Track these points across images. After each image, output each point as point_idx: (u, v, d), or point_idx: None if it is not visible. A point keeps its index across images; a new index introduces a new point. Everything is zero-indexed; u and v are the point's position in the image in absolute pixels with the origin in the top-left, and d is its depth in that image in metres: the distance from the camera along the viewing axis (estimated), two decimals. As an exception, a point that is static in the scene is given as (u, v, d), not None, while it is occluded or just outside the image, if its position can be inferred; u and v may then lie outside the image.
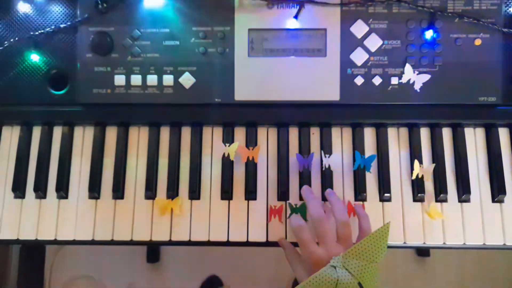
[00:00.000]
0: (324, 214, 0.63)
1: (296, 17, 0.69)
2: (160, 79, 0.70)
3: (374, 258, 0.58)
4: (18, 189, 0.71)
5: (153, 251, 1.39)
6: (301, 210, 0.69)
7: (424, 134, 0.72)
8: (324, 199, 0.69)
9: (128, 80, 0.70)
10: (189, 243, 0.69)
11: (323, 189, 0.70)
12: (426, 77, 0.69)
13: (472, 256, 1.40)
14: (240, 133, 0.73)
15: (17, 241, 0.70)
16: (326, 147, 0.71)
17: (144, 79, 0.70)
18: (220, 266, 1.40)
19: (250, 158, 0.70)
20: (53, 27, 0.71)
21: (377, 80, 0.69)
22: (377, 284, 0.59)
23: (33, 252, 1.22)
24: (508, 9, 0.70)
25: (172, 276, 1.42)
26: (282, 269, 1.38)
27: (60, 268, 1.40)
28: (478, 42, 0.69)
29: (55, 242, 0.70)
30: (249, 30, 0.70)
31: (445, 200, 0.70)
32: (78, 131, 0.73)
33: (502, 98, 0.69)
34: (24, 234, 0.70)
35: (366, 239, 0.59)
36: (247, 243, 0.69)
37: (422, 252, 1.37)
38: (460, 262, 1.41)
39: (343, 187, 0.70)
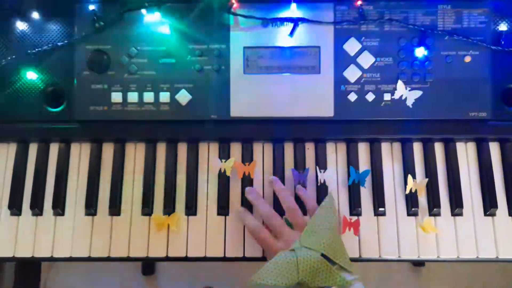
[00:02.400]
0: (271, 210, 0.65)
1: (290, 35, 0.70)
2: (156, 96, 0.71)
3: (329, 226, 0.60)
4: (15, 206, 0.71)
5: (149, 263, 1.39)
6: (297, 225, 0.69)
7: (417, 149, 0.74)
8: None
9: (124, 97, 0.71)
10: (186, 259, 0.70)
11: (319, 204, 0.70)
12: (418, 93, 0.71)
13: (466, 265, 1.41)
14: (236, 149, 0.74)
15: (13, 259, 0.70)
16: (321, 163, 0.72)
17: (140, 96, 0.71)
18: (216, 278, 1.39)
19: (246, 174, 0.71)
20: (50, 45, 0.71)
21: (370, 96, 0.71)
22: (343, 248, 0.60)
23: (28, 266, 1.21)
24: (496, 27, 0.72)
25: (168, 289, 1.41)
26: (278, 280, 1.38)
27: (55, 282, 1.39)
28: (468, 59, 0.71)
29: (51, 259, 0.70)
30: (245, 47, 0.71)
31: (438, 214, 0.71)
32: (74, 148, 0.74)
33: (492, 114, 0.71)
34: (20, 251, 0.70)
35: (315, 215, 0.61)
36: (244, 258, 0.70)
37: (416, 261, 1.38)
38: (454, 271, 1.42)
39: (338, 202, 0.71)
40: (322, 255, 0.57)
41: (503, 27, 0.72)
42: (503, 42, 0.71)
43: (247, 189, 0.69)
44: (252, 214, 0.69)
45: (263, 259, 0.69)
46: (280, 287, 0.55)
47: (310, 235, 0.59)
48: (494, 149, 0.73)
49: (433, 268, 1.41)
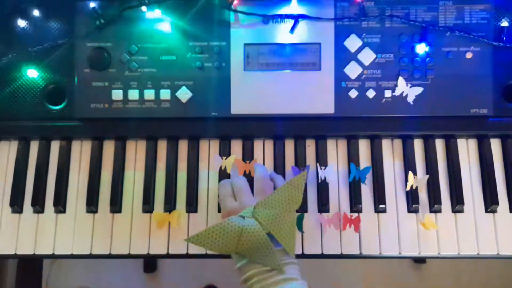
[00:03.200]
0: (262, 170, 0.65)
1: (291, 31, 0.70)
2: (157, 94, 0.71)
3: (288, 207, 0.58)
4: (16, 204, 0.71)
5: (150, 261, 1.39)
6: (298, 221, 0.69)
7: (418, 145, 0.73)
8: (323, 211, 0.70)
9: (125, 94, 0.71)
10: (187, 256, 0.70)
11: (320, 201, 0.70)
12: (419, 90, 0.70)
13: (467, 262, 1.41)
14: (236, 146, 0.74)
15: (14, 256, 0.71)
16: (321, 159, 0.72)
17: (141, 94, 0.71)
18: (218, 275, 1.40)
19: (247, 172, 0.71)
20: (51, 42, 0.71)
21: (371, 93, 0.71)
22: (293, 234, 0.58)
23: (30, 263, 1.22)
24: (497, 22, 0.71)
25: (169, 286, 1.41)
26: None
27: (57, 279, 1.39)
28: (469, 55, 0.70)
29: (53, 256, 0.70)
30: (245, 44, 0.71)
31: (439, 211, 0.71)
32: (75, 146, 0.74)
33: (493, 110, 0.70)
34: (21, 249, 0.70)
35: (279, 190, 0.60)
36: (245, 255, 0.70)
37: (417, 258, 1.38)
38: (455, 268, 1.42)
39: (338, 199, 0.71)
40: (268, 234, 0.56)
41: (504, 23, 0.71)
42: (504, 38, 0.70)
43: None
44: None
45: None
46: (219, 251, 0.56)
47: (264, 207, 0.58)
48: (495, 145, 0.73)
49: (434, 265, 1.41)
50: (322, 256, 0.69)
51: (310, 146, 0.73)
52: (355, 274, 1.40)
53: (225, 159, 0.71)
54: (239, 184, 0.63)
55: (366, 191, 0.71)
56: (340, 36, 0.71)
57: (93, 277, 1.41)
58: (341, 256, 0.69)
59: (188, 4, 0.70)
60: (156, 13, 0.70)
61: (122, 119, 0.71)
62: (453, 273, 1.41)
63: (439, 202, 0.70)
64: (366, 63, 0.71)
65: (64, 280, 1.39)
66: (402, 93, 0.70)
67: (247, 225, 0.56)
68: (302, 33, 0.71)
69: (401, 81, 0.70)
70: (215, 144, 0.74)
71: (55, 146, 0.74)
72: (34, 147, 0.74)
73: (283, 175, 0.71)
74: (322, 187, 0.71)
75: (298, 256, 0.67)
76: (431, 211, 0.71)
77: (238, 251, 0.56)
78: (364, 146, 0.73)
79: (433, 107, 0.70)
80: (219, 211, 0.71)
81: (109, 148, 0.74)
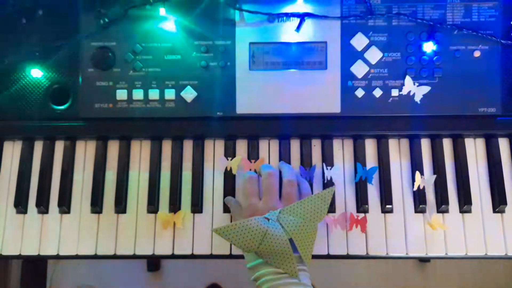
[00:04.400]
0: (274, 171, 0.64)
1: (297, 30, 0.70)
2: (161, 93, 0.70)
3: (312, 218, 0.59)
4: (20, 204, 0.71)
5: (154, 260, 1.39)
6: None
7: (425, 145, 0.73)
8: (329, 211, 0.69)
9: (130, 94, 0.70)
10: (192, 256, 0.70)
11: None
12: (426, 89, 0.70)
13: (472, 261, 1.40)
14: (242, 146, 0.73)
15: (19, 256, 0.70)
16: (327, 159, 0.71)
17: (146, 93, 0.70)
18: (221, 274, 1.39)
19: (253, 171, 0.70)
20: (55, 42, 0.71)
21: (377, 92, 0.70)
22: (312, 244, 0.59)
23: (35, 264, 1.22)
24: (506, 20, 0.70)
25: (173, 285, 1.41)
26: (283, 276, 1.38)
27: (61, 278, 1.39)
28: (477, 53, 0.70)
29: (57, 257, 0.70)
30: (250, 43, 0.70)
31: (447, 211, 0.70)
32: (80, 146, 0.74)
33: (501, 109, 0.70)
34: (26, 249, 0.70)
35: (306, 199, 0.60)
36: (250, 256, 0.69)
37: (423, 258, 1.37)
38: (460, 267, 1.41)
39: (345, 199, 0.71)
40: (290, 240, 0.57)
41: (513, 21, 0.70)
42: (513, 36, 0.70)
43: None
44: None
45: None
46: (238, 247, 0.57)
47: (290, 213, 0.59)
48: (503, 145, 0.72)
49: (438, 264, 1.40)
50: (328, 256, 0.69)
51: (316, 146, 0.73)
52: (359, 272, 1.40)
53: (231, 159, 0.70)
54: (268, 183, 0.63)
55: (373, 191, 0.71)
56: (347, 34, 0.70)
57: (97, 276, 1.41)
58: (347, 257, 0.69)
59: (193, 3, 0.70)
60: (161, 12, 0.69)
61: (126, 119, 0.71)
62: (458, 272, 1.41)
63: (447, 202, 0.69)
64: (373, 62, 0.70)
65: (68, 278, 1.40)
66: (409, 92, 0.70)
67: (271, 228, 0.56)
68: (308, 32, 0.70)
69: (408, 80, 0.69)
70: (220, 144, 0.73)
71: (59, 146, 0.73)
72: (38, 147, 0.73)
73: (289, 175, 0.71)
74: (328, 187, 0.70)
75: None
76: (438, 211, 0.70)
77: (258, 251, 0.57)
78: (370, 146, 0.73)
79: (441, 106, 0.70)
80: (224, 211, 0.71)
81: (113, 148, 0.73)
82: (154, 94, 0.70)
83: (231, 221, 0.70)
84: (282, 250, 0.56)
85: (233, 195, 0.71)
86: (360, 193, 0.70)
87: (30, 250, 0.70)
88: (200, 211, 0.71)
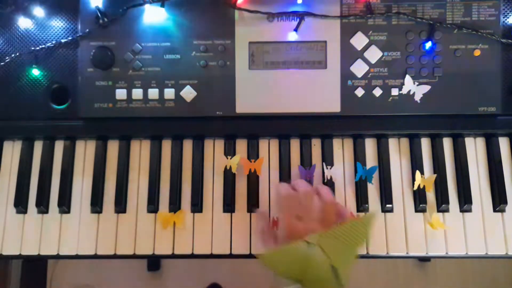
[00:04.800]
0: (312, 190, 0.62)
1: (296, 29, 0.70)
2: (161, 93, 0.70)
3: (353, 243, 0.56)
4: (20, 204, 0.71)
5: (154, 260, 1.39)
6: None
7: (425, 144, 0.73)
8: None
9: (129, 94, 0.70)
10: (192, 256, 0.70)
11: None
12: (426, 88, 0.70)
13: (472, 260, 1.40)
14: (241, 145, 0.73)
15: (19, 256, 0.70)
16: (327, 159, 0.71)
17: (145, 93, 0.70)
18: (221, 274, 1.39)
19: (252, 171, 0.70)
20: (54, 42, 0.71)
21: (377, 92, 0.70)
22: (350, 271, 0.56)
23: (35, 263, 1.22)
24: (506, 19, 0.70)
25: (173, 285, 1.41)
26: (283, 276, 1.38)
27: (61, 278, 1.39)
28: (477, 52, 0.69)
29: (57, 256, 0.70)
30: (250, 43, 0.70)
31: (447, 210, 0.70)
32: (79, 145, 0.73)
33: (502, 108, 0.70)
34: (26, 249, 0.70)
35: (348, 224, 0.57)
36: (250, 256, 0.69)
37: (423, 257, 1.37)
38: (461, 266, 1.41)
39: (345, 198, 0.71)
40: (332, 266, 0.54)
41: (513, 19, 0.70)
42: (513, 35, 0.70)
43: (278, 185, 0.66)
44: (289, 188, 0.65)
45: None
46: (282, 275, 0.54)
47: (331, 238, 0.55)
48: (504, 144, 0.72)
49: (438, 263, 1.40)
50: (328, 256, 0.68)
51: (316, 145, 0.73)
52: (359, 272, 1.39)
53: (230, 158, 0.70)
54: (307, 205, 0.60)
55: (373, 190, 0.71)
56: (346, 34, 0.70)
57: (97, 276, 1.41)
58: (347, 256, 0.69)
59: (192, 2, 0.70)
60: (160, 11, 0.69)
61: (126, 119, 0.71)
62: (458, 271, 1.41)
63: (447, 202, 0.69)
64: (373, 61, 0.70)
65: (68, 278, 1.40)
66: (409, 91, 0.70)
67: (313, 255, 0.53)
68: (307, 31, 0.70)
69: (408, 79, 0.69)
70: (220, 144, 0.73)
71: (59, 146, 0.73)
72: (38, 147, 0.73)
73: (289, 175, 0.71)
74: (328, 187, 0.70)
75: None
76: (438, 211, 0.70)
77: (302, 279, 0.54)
78: (370, 145, 0.73)
79: (441, 105, 0.70)
80: (224, 211, 0.71)
81: (113, 148, 0.73)
82: (153, 93, 0.70)
83: (231, 222, 0.70)
84: (323, 276, 0.54)
85: (233, 195, 0.71)
86: (360, 193, 0.70)
87: (30, 250, 0.70)
88: (200, 210, 0.71)
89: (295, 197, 0.61)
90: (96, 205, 0.70)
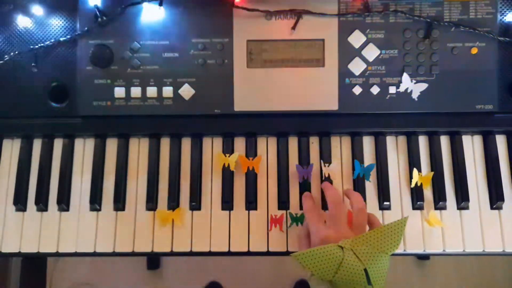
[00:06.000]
0: (341, 198, 0.64)
1: (294, 28, 0.70)
2: (159, 91, 0.70)
3: (385, 249, 0.57)
4: (20, 202, 0.71)
5: (154, 258, 1.40)
6: (302, 220, 0.69)
7: (422, 142, 0.73)
8: (327, 208, 0.70)
9: (128, 92, 0.70)
10: (191, 253, 0.70)
11: (324, 199, 0.70)
12: (423, 86, 0.70)
13: (471, 258, 1.40)
14: (239, 143, 0.73)
15: (19, 254, 0.71)
16: (325, 156, 0.72)
17: (143, 91, 0.70)
18: (221, 272, 1.40)
19: (251, 168, 0.70)
20: (53, 40, 0.71)
21: (375, 90, 0.70)
22: (384, 276, 0.57)
23: (34, 261, 1.22)
24: (503, 17, 0.71)
25: (173, 283, 1.42)
26: (282, 274, 1.39)
27: (61, 276, 1.40)
28: (474, 50, 0.70)
29: (56, 254, 0.70)
30: (248, 41, 0.70)
31: (444, 208, 0.70)
32: (78, 143, 0.74)
33: (499, 106, 0.70)
34: (25, 247, 0.70)
35: (379, 229, 0.58)
36: (248, 253, 0.70)
37: (422, 255, 1.38)
38: (459, 264, 1.42)
39: (342, 196, 0.71)
40: (365, 270, 0.55)
41: (510, 17, 0.70)
42: (510, 33, 0.70)
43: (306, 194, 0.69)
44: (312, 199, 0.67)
45: (267, 253, 0.69)
46: (314, 275, 0.55)
47: (363, 243, 0.57)
48: (501, 142, 0.72)
49: (437, 261, 1.40)
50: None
51: (314, 143, 0.73)
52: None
53: (228, 156, 0.71)
54: (336, 213, 0.61)
55: (371, 188, 0.71)
56: (344, 32, 0.70)
57: (97, 274, 1.41)
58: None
59: (190, 1, 0.70)
60: (158, 10, 0.69)
61: (124, 117, 0.71)
62: (457, 269, 1.41)
63: (444, 199, 0.70)
64: (370, 59, 0.70)
65: (68, 276, 1.40)
66: (406, 89, 0.70)
67: (347, 258, 0.55)
68: (305, 30, 0.70)
69: (405, 77, 0.70)
70: (218, 142, 0.73)
71: (58, 144, 0.74)
72: (37, 145, 0.74)
73: (287, 172, 0.71)
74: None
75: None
76: (436, 208, 0.70)
77: (334, 280, 0.55)
78: (368, 143, 0.73)
79: (438, 103, 0.70)
80: (222, 208, 0.71)
81: (112, 145, 0.73)
82: (152, 91, 0.70)
83: (229, 220, 0.70)
84: (357, 280, 0.54)
85: (231, 193, 0.71)
86: (358, 190, 0.70)
87: (29, 247, 0.70)
88: (199, 208, 0.71)
89: (315, 209, 0.64)
90: (95, 202, 0.71)
